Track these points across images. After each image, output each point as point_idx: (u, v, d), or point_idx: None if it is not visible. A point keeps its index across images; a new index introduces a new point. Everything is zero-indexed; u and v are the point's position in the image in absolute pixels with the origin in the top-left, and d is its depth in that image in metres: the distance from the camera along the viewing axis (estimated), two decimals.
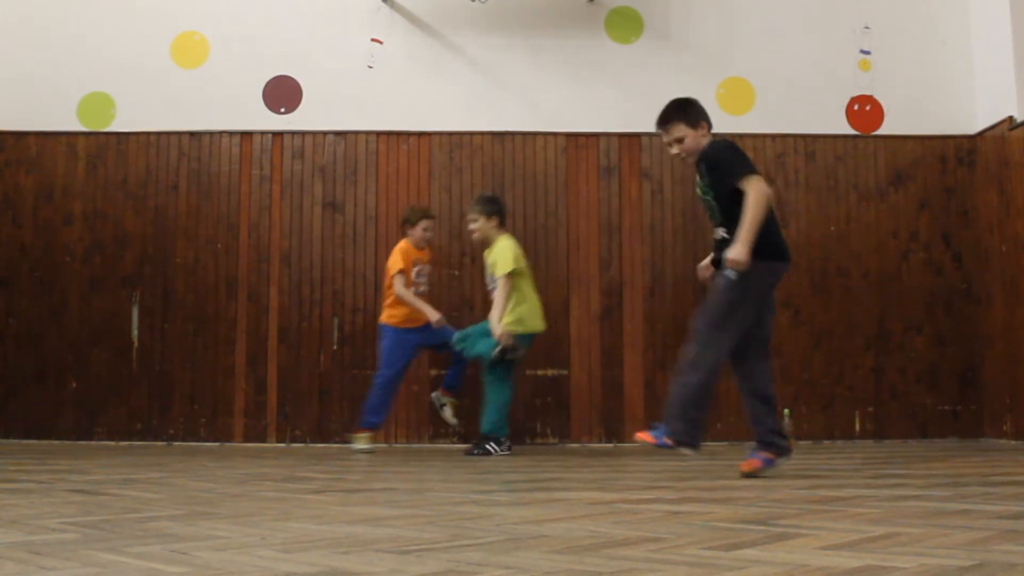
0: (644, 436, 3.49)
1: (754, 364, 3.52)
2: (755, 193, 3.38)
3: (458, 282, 5.80)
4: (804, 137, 5.98)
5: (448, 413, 5.33)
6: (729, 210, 3.46)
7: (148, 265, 5.80)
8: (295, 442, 5.67)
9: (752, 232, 3.34)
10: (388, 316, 5.21)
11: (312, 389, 5.72)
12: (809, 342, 5.82)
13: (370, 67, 5.98)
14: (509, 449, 4.93)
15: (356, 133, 5.93)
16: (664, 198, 5.91)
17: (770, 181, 5.55)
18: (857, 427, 5.77)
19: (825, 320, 5.84)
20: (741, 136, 5.74)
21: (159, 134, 5.89)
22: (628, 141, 5.93)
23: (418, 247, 5.28)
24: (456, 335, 5.06)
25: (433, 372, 5.64)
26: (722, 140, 3.72)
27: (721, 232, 3.55)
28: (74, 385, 5.70)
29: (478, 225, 5.11)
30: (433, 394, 5.41)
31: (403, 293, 5.13)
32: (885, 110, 6.04)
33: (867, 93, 6.06)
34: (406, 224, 5.30)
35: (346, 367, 5.72)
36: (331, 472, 3.86)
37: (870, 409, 5.78)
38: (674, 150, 3.64)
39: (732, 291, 3.40)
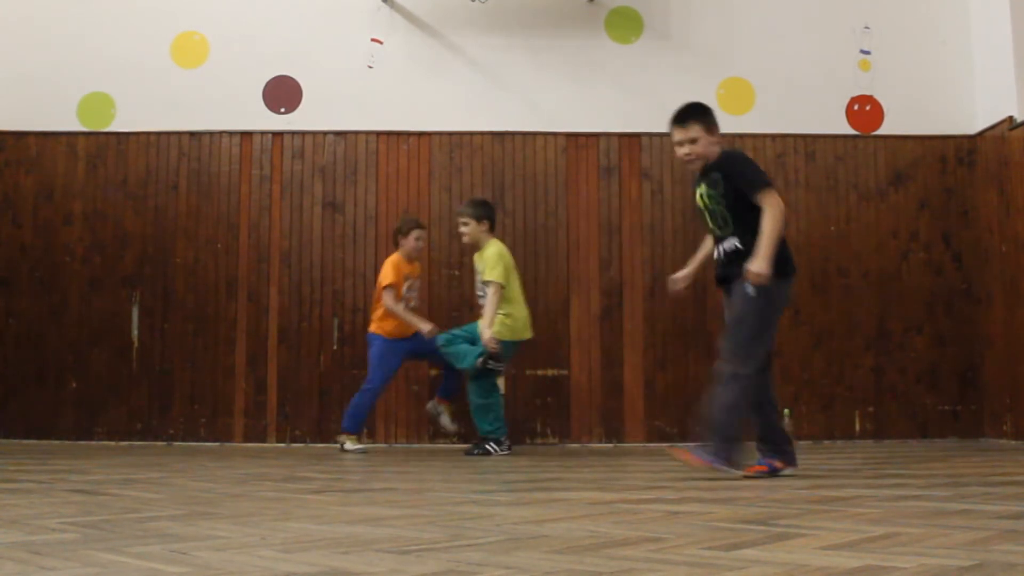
0: (686, 456, 3.38)
1: (757, 376, 3.50)
2: (774, 208, 3.36)
3: (458, 282, 5.79)
4: (804, 137, 5.98)
5: (446, 420, 5.30)
6: (742, 219, 3.43)
7: (148, 265, 5.80)
8: (295, 442, 5.67)
9: (772, 247, 3.33)
10: (378, 327, 5.20)
11: (312, 389, 5.72)
12: (809, 342, 5.82)
13: (370, 67, 5.98)
14: (509, 449, 4.93)
15: (356, 133, 5.93)
16: (664, 198, 5.91)
17: None
18: (857, 427, 5.77)
19: (825, 320, 5.84)
20: (741, 136, 5.76)
21: (159, 134, 5.89)
22: (628, 141, 5.93)
23: (410, 257, 5.27)
24: (441, 337, 5.02)
25: (433, 372, 5.64)
26: (737, 150, 3.69)
27: (734, 242, 3.48)
28: (74, 385, 5.70)
29: (468, 229, 5.10)
30: (428, 404, 5.39)
31: (393, 307, 5.11)
32: (885, 110, 6.04)
33: (867, 93, 6.06)
34: (398, 234, 5.29)
35: (346, 367, 5.72)
36: (331, 472, 3.86)
37: (870, 409, 5.78)
38: (684, 150, 3.56)
39: (757, 307, 3.38)
